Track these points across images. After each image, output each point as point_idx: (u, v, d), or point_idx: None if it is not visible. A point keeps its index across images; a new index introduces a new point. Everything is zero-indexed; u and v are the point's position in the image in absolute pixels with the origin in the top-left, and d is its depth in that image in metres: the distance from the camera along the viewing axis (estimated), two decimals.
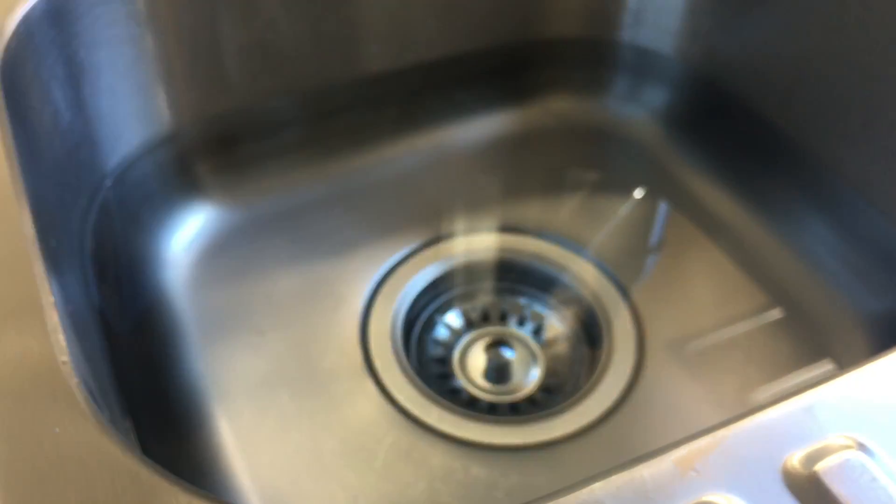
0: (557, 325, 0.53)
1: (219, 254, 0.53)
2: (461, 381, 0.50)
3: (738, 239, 0.55)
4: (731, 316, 0.51)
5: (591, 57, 0.62)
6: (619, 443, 0.44)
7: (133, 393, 0.43)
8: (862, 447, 0.27)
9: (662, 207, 0.58)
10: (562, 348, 0.52)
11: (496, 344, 0.52)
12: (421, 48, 0.58)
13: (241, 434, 0.44)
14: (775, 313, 0.51)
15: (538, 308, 0.54)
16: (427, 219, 0.56)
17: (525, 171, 0.61)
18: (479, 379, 0.51)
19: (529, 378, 0.51)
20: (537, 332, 0.53)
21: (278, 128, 0.56)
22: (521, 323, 0.54)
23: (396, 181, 0.59)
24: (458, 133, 0.61)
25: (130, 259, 0.51)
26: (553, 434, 0.45)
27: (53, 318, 0.31)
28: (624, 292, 0.52)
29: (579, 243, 0.55)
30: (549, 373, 0.51)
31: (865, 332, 0.49)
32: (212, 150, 0.55)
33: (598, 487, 0.26)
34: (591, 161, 0.62)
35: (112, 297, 0.47)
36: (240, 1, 0.50)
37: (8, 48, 0.40)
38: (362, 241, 0.55)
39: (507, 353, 0.51)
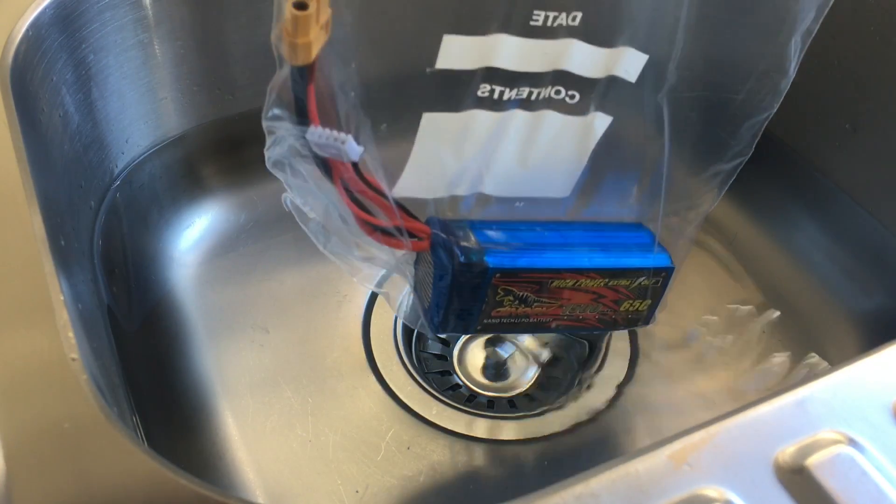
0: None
1: (224, 253, 0.53)
2: (461, 378, 0.51)
3: (731, 239, 0.55)
4: (724, 314, 0.51)
5: None
6: (614, 437, 0.45)
7: (141, 389, 0.43)
8: (852, 442, 0.27)
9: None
10: (558, 345, 0.52)
11: (494, 341, 0.52)
12: (420, 54, 0.58)
13: (246, 429, 0.45)
14: (767, 311, 0.51)
15: None
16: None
17: None
18: (478, 375, 0.51)
19: (527, 374, 0.51)
20: None
21: None
22: None
23: None
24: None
25: (138, 258, 0.51)
26: (550, 429, 0.45)
27: (63, 316, 0.31)
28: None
29: None
30: (546, 369, 0.51)
31: (856, 329, 0.49)
32: (218, 152, 0.55)
33: (593, 481, 0.26)
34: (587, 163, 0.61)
35: (120, 296, 0.47)
36: (245, 6, 0.50)
37: (18, 53, 0.40)
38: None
39: (505, 350, 0.51)
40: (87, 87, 0.46)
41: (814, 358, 0.48)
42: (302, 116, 0.30)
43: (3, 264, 0.33)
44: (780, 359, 0.49)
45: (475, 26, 0.32)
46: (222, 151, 0.55)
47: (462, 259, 0.35)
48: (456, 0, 0.34)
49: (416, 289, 0.38)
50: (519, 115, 0.35)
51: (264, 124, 0.31)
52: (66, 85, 0.45)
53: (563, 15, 0.32)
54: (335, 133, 0.30)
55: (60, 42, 0.44)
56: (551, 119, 0.35)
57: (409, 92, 0.33)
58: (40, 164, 0.39)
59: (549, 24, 0.32)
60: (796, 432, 0.28)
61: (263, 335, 0.49)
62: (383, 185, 0.33)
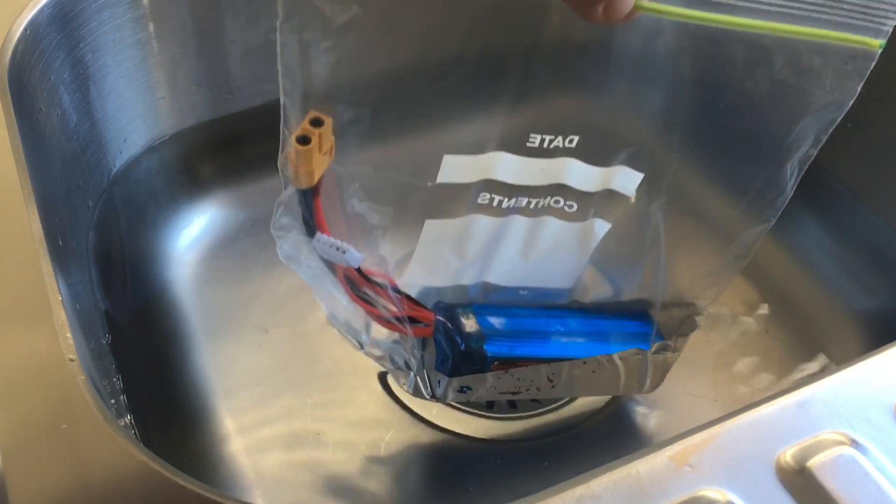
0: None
1: (223, 252, 0.53)
2: None
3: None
4: (725, 313, 0.51)
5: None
6: (615, 438, 0.45)
7: (138, 389, 0.43)
8: (854, 443, 0.28)
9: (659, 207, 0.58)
10: None
11: None
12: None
13: (244, 429, 0.45)
14: (769, 311, 0.51)
15: None
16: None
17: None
18: None
19: None
20: None
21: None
22: None
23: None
24: (459, 134, 0.61)
25: (136, 257, 0.51)
26: (550, 429, 0.45)
27: (61, 316, 0.31)
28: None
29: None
30: None
31: (858, 329, 0.49)
32: (216, 151, 0.55)
33: (594, 482, 0.26)
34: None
35: (118, 296, 0.47)
36: (244, 6, 0.50)
37: (16, 52, 0.40)
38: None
39: None
40: (86, 86, 0.47)
41: (820, 359, 0.48)
42: (308, 228, 0.33)
43: (1, 264, 0.33)
44: (782, 358, 0.49)
45: (473, 147, 0.34)
46: (221, 150, 0.55)
47: (462, 347, 0.37)
48: (453, 124, 0.35)
49: (422, 363, 0.39)
50: (519, 220, 0.36)
51: (273, 232, 0.33)
52: (64, 84, 0.45)
53: (560, 138, 0.33)
54: (338, 242, 0.33)
55: (58, 41, 0.44)
56: (551, 224, 0.37)
57: (411, 202, 0.35)
58: (38, 164, 0.39)
59: (545, 145, 0.33)
60: (798, 433, 0.28)
61: (262, 335, 0.49)
62: (388, 279, 0.36)
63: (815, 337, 0.50)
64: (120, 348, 0.43)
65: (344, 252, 0.33)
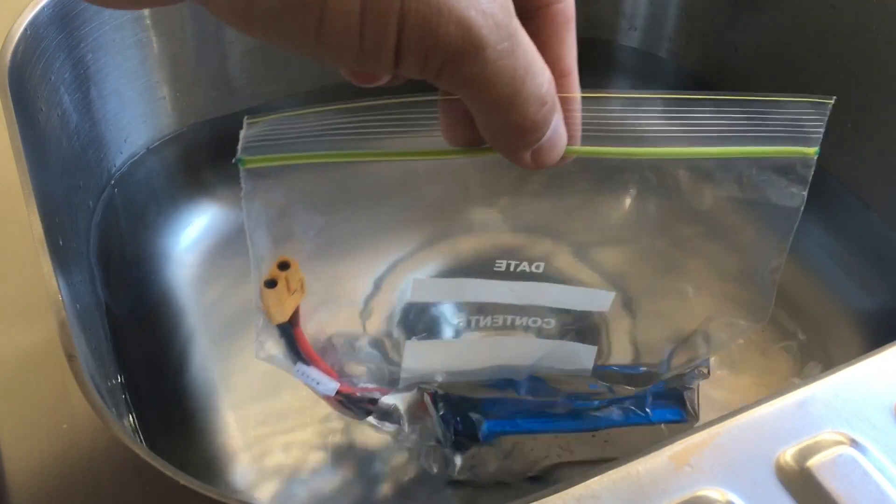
0: (556, 322, 0.53)
1: (224, 252, 0.53)
2: None
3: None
4: None
5: (590, 59, 0.63)
6: (615, 437, 0.44)
7: (139, 390, 0.43)
8: (854, 443, 0.27)
9: (659, 206, 0.58)
10: None
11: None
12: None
13: (245, 430, 0.44)
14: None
15: None
16: (427, 217, 0.56)
17: (524, 171, 0.60)
18: None
19: None
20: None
21: None
22: None
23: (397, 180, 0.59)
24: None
25: (137, 257, 0.51)
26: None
27: (61, 316, 0.31)
28: (622, 289, 0.52)
29: (577, 242, 0.55)
30: None
31: (858, 329, 0.49)
32: (217, 151, 0.55)
33: (594, 482, 0.26)
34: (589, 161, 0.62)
35: (119, 295, 0.47)
36: None
37: (16, 52, 0.41)
38: (364, 239, 0.54)
39: None
40: (86, 86, 0.47)
41: (820, 359, 0.48)
42: (292, 355, 0.35)
43: (2, 264, 0.33)
44: (781, 359, 0.49)
45: (441, 271, 0.36)
46: (221, 150, 0.54)
47: (460, 429, 0.38)
48: (421, 253, 0.39)
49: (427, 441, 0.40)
50: (500, 339, 0.37)
51: (260, 359, 0.35)
52: (64, 84, 0.45)
53: (525, 263, 0.34)
54: (314, 373, 0.35)
55: (59, 41, 0.44)
56: (534, 342, 0.37)
57: (389, 322, 0.38)
58: (39, 164, 0.39)
59: (511, 269, 0.34)
60: (798, 433, 0.28)
61: None
62: (380, 391, 0.37)
63: (815, 337, 0.49)
64: (120, 348, 0.43)
65: (318, 383, 0.35)
